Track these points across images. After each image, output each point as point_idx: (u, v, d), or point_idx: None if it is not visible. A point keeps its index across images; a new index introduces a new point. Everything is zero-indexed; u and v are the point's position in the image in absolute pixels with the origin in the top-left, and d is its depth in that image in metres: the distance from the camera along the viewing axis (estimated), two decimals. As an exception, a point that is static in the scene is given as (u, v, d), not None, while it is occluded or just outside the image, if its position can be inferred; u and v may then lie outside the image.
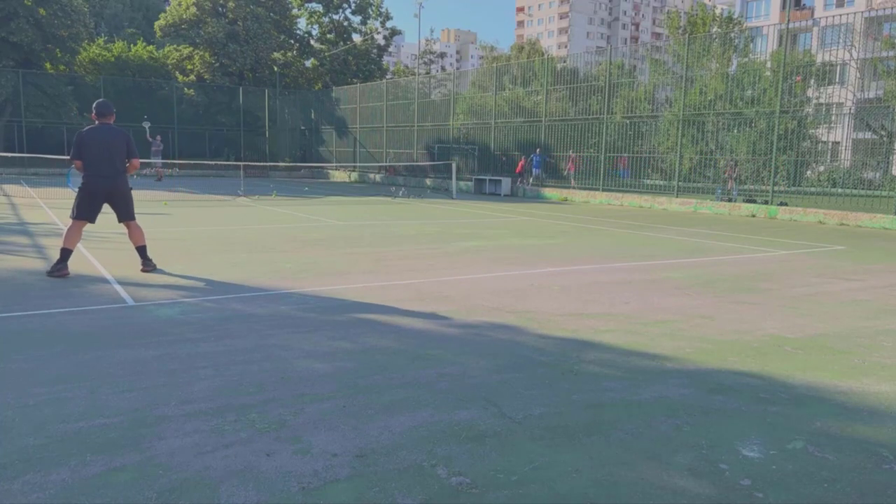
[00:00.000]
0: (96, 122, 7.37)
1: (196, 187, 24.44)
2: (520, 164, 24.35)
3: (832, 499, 2.69)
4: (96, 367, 4.11)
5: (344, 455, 2.97)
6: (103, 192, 7.29)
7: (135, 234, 7.52)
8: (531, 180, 24.45)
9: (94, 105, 7.44)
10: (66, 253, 7.06)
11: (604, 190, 21.59)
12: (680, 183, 19.78)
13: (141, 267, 7.43)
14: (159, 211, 15.12)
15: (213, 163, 32.61)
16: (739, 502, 2.64)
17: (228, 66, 41.04)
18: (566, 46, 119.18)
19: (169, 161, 31.46)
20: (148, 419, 3.32)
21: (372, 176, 32.97)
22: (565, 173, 23.30)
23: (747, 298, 6.63)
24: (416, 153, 30.17)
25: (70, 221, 7.23)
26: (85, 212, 7.30)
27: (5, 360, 4.21)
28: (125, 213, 7.46)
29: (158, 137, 29.32)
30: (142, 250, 7.52)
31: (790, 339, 5.11)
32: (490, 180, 25.21)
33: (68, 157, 7.68)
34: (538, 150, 24.56)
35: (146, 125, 32.84)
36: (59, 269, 6.98)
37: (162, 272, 7.39)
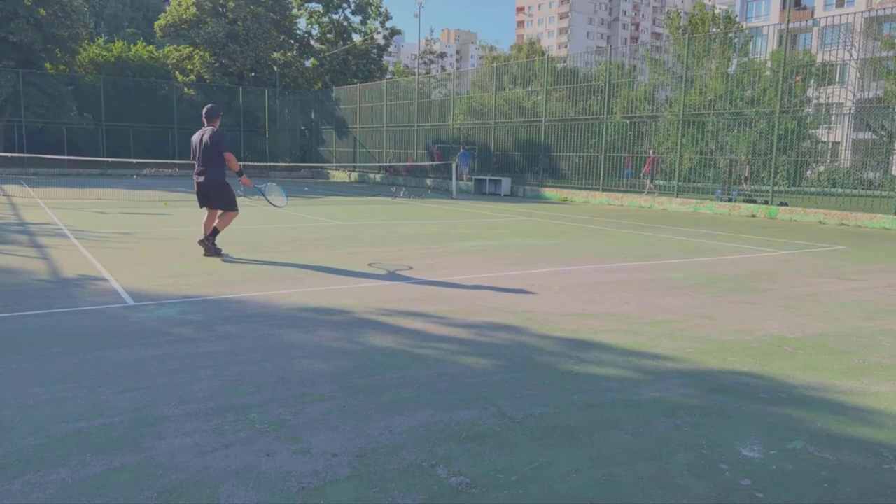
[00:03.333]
0: (205, 125, 8.47)
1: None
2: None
3: (832, 499, 2.69)
4: (96, 367, 4.11)
5: (344, 455, 2.97)
6: (199, 186, 8.46)
7: (221, 219, 8.52)
8: (465, 174, 26.13)
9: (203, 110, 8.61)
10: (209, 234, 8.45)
11: (604, 190, 21.59)
12: (680, 183, 19.78)
13: (202, 240, 8.47)
14: (159, 211, 15.13)
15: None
16: (739, 502, 2.64)
17: (228, 66, 41.05)
18: (566, 46, 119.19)
19: (169, 161, 31.44)
20: (148, 419, 3.32)
21: (372, 176, 32.97)
22: (642, 174, 21.00)
23: (747, 298, 6.63)
24: (416, 153, 30.18)
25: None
26: (200, 202, 8.59)
27: (5, 360, 4.21)
28: (218, 204, 8.51)
29: None
30: (213, 231, 8.47)
31: (790, 339, 5.11)
32: (490, 180, 25.23)
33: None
34: (462, 147, 26.44)
35: None
36: (209, 249, 8.40)
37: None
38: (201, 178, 8.39)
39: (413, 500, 2.60)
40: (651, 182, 20.70)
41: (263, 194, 9.37)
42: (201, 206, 8.63)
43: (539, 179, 24.23)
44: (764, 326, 5.49)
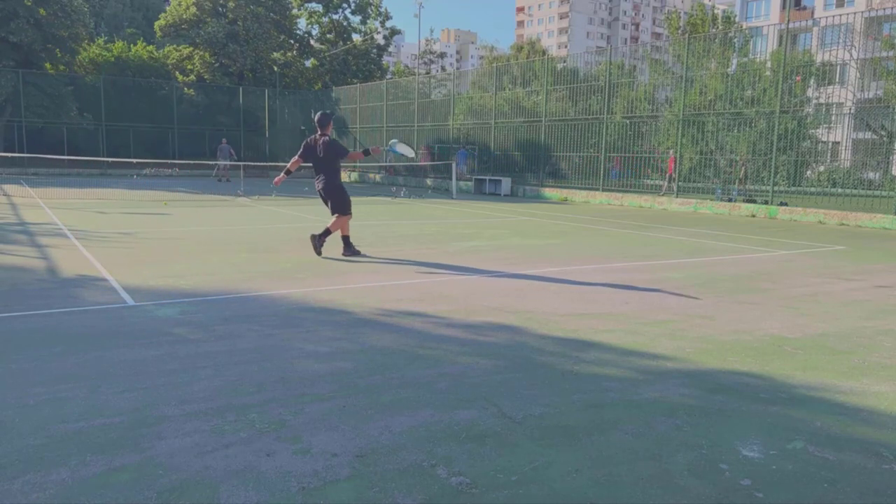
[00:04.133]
0: (318, 131, 8.91)
1: (196, 187, 24.44)
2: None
3: (832, 499, 2.69)
4: (96, 367, 4.11)
5: (344, 455, 2.97)
6: (320, 192, 9.06)
7: (334, 222, 8.89)
8: (463, 174, 26.41)
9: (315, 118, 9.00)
10: (345, 238, 8.98)
11: (604, 190, 21.59)
12: (680, 183, 19.78)
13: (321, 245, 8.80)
14: (159, 211, 15.13)
15: (213, 163, 32.62)
16: (739, 502, 2.64)
17: (228, 66, 41.04)
18: (566, 46, 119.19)
19: (169, 161, 31.46)
20: (148, 419, 3.32)
21: (372, 176, 32.97)
22: (665, 177, 20.20)
23: (747, 298, 6.63)
24: (415, 153, 30.16)
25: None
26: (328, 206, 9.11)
27: (5, 360, 4.21)
28: (334, 208, 8.97)
29: (224, 140, 30.70)
30: (325, 232, 8.84)
31: (790, 339, 5.11)
32: (490, 180, 25.23)
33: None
34: (461, 147, 26.93)
35: None
36: (350, 251, 8.88)
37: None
38: (321, 185, 8.96)
39: (413, 500, 2.60)
40: (669, 183, 19.97)
41: (395, 151, 9.76)
42: (333, 212, 9.05)
43: (539, 179, 24.23)
44: (764, 326, 5.49)
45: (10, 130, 33.55)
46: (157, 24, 42.70)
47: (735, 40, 22.97)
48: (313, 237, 8.82)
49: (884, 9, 32.53)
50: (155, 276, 7.12)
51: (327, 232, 8.85)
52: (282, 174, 9.25)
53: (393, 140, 9.99)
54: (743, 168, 18.98)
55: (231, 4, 41.07)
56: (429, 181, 28.67)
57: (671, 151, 20.23)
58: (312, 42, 46.07)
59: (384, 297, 6.33)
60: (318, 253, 8.75)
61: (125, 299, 6.01)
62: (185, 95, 39.56)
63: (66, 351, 4.42)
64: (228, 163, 29.16)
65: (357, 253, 8.89)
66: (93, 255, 8.44)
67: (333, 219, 8.95)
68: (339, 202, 8.96)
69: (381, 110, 32.21)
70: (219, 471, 2.80)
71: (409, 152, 10.01)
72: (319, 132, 8.85)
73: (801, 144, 18.45)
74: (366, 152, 9.30)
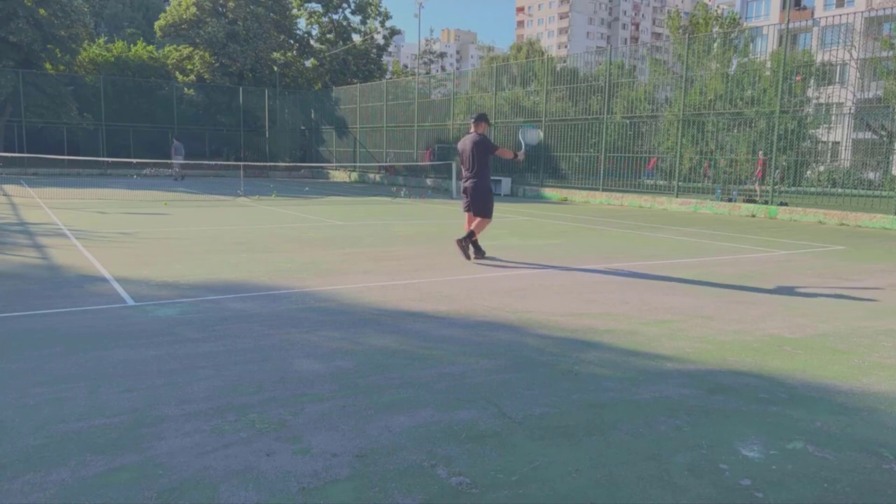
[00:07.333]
0: (471, 131, 8.80)
1: (196, 187, 24.43)
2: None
3: (832, 499, 2.69)
4: (96, 367, 4.11)
5: (344, 455, 2.97)
6: (465, 191, 8.84)
7: (477, 225, 8.71)
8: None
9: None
10: (471, 235, 8.68)
11: (604, 190, 21.59)
12: (680, 183, 19.78)
13: (459, 239, 8.69)
14: (159, 211, 15.13)
15: (213, 163, 32.62)
16: (739, 502, 2.64)
17: (228, 66, 41.04)
18: (566, 46, 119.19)
19: (169, 161, 31.47)
20: (148, 419, 3.32)
21: (372, 176, 32.96)
22: (753, 180, 18.78)
23: (747, 298, 6.63)
24: (416, 153, 30.19)
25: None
26: (466, 206, 8.90)
27: (5, 360, 4.21)
28: (476, 210, 8.75)
29: (175, 139, 30.93)
30: (469, 234, 8.66)
31: (790, 339, 5.11)
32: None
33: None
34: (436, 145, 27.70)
35: None
36: (476, 253, 8.66)
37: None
38: (468, 184, 8.74)
39: (413, 500, 2.60)
40: (760, 186, 18.54)
41: (525, 140, 9.80)
42: (465, 211, 8.90)
43: (539, 179, 24.23)
44: (764, 326, 5.49)
45: (10, 130, 33.54)
46: (157, 24, 42.69)
47: (735, 41, 22.96)
48: (458, 242, 8.65)
49: (884, 9, 32.52)
50: (155, 276, 7.12)
51: (471, 234, 8.65)
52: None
53: (524, 129, 9.81)
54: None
55: (231, 4, 41.07)
56: (429, 181, 28.66)
57: (760, 153, 18.46)
58: (312, 42, 46.09)
59: (384, 297, 6.33)
60: (468, 257, 8.58)
61: (125, 299, 6.01)
62: (185, 95, 39.57)
63: (66, 351, 4.42)
64: (181, 161, 29.56)
65: (482, 253, 8.75)
66: (93, 255, 8.44)
67: (475, 221, 8.72)
68: (481, 204, 8.72)
69: (381, 110, 32.20)
70: (219, 471, 2.80)
71: (535, 139, 9.78)
72: (472, 129, 8.72)
73: (801, 144, 18.41)
74: (514, 155, 9.25)
